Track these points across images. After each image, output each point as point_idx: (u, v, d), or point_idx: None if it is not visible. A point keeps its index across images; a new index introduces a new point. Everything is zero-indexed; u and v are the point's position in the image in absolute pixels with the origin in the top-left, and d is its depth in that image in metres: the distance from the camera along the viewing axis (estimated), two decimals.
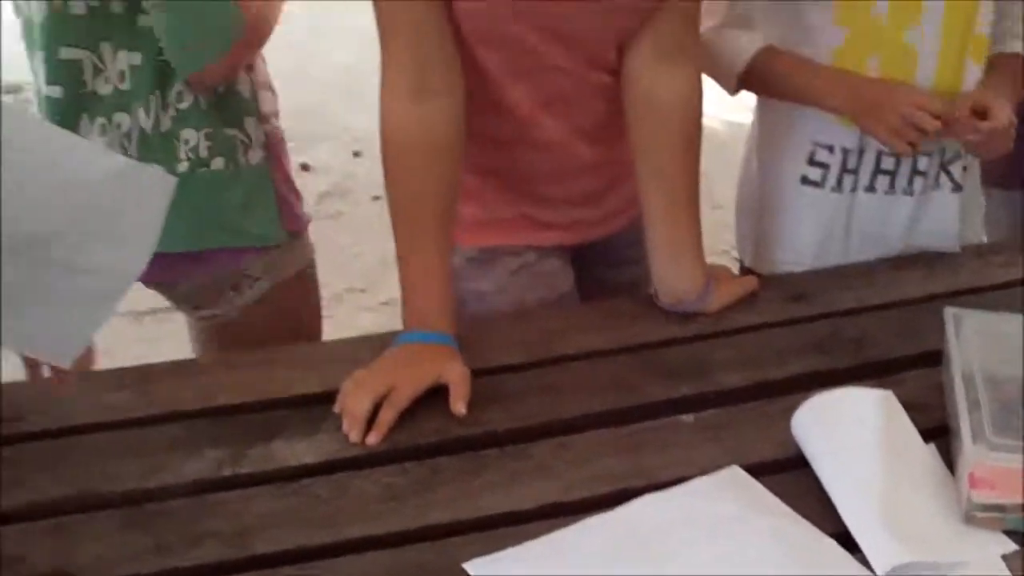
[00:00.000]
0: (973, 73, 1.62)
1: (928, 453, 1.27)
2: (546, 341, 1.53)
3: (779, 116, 1.75)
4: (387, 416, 1.34)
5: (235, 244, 1.75)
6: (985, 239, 1.94)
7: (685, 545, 1.14)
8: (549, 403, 1.40)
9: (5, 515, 1.23)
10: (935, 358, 1.43)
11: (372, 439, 1.32)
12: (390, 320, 1.39)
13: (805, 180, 1.74)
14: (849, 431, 1.25)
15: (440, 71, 1.43)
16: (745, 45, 1.67)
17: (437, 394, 1.38)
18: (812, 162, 1.72)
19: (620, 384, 1.43)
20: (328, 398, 1.39)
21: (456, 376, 1.39)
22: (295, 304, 1.85)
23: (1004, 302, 1.54)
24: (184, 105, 1.66)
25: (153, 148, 1.66)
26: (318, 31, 5.79)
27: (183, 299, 1.83)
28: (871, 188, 1.72)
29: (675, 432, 1.34)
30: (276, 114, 1.82)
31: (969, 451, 1.17)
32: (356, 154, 4.43)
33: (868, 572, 1.11)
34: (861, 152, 1.70)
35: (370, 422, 1.33)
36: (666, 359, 1.49)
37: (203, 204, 1.70)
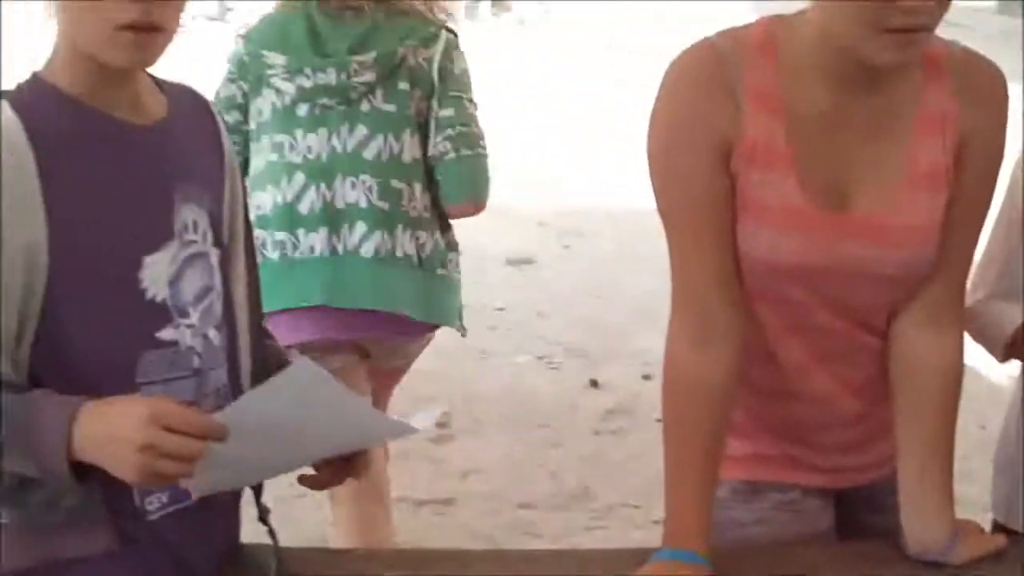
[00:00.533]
0: None
1: None
2: None
3: None
4: None
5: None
6: None
7: None
8: None
9: None
10: None
11: None
12: (660, 539, 1.50)
13: None
14: None
15: (723, 322, 1.57)
16: (1012, 316, 1.75)
17: None
18: None
19: None
20: None
21: None
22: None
23: None
24: None
25: None
26: (623, 254, 6.06)
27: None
28: None
29: None
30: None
31: None
32: (646, 377, 4.56)
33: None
34: None
35: None
36: None
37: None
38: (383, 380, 2.75)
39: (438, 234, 2.63)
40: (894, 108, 1.54)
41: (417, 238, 2.57)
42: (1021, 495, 1.85)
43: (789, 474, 1.74)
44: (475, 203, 2.64)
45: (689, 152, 1.53)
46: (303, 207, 2.53)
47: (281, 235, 2.53)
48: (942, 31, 1.49)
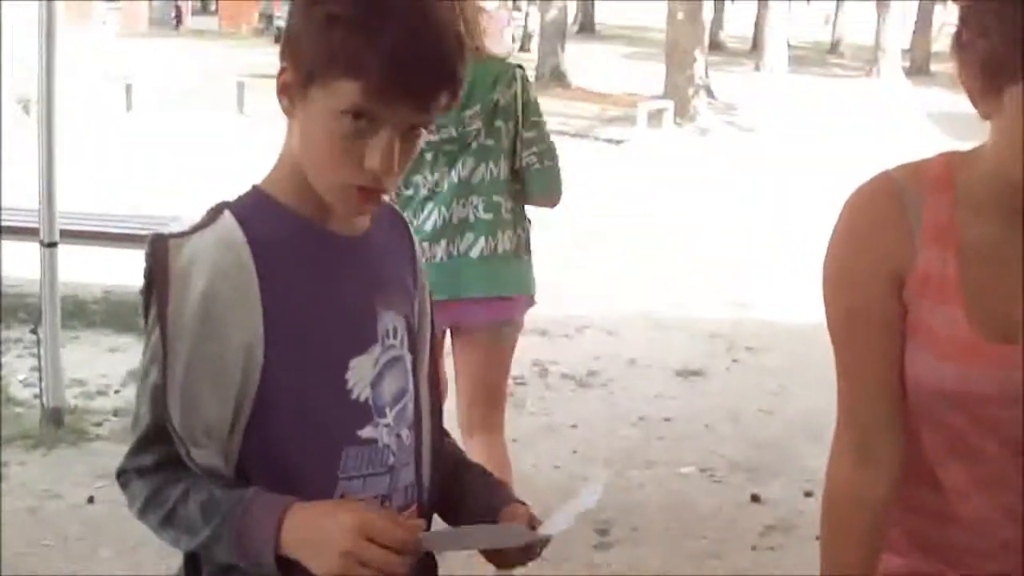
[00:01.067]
0: None
1: None
2: None
3: None
4: None
5: None
6: None
7: None
8: None
9: None
10: None
11: None
12: None
13: None
14: None
15: (885, 442, 1.63)
16: None
17: None
18: None
19: None
20: None
21: None
22: None
23: None
24: None
25: None
26: (791, 370, 6.07)
27: None
28: None
29: None
30: None
31: None
32: (807, 494, 4.53)
33: None
34: None
35: None
36: None
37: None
38: (485, 352, 3.63)
39: (519, 229, 3.58)
40: None
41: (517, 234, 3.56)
42: None
43: None
44: (553, 200, 3.63)
45: (863, 282, 1.62)
46: (428, 225, 3.45)
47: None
48: None
